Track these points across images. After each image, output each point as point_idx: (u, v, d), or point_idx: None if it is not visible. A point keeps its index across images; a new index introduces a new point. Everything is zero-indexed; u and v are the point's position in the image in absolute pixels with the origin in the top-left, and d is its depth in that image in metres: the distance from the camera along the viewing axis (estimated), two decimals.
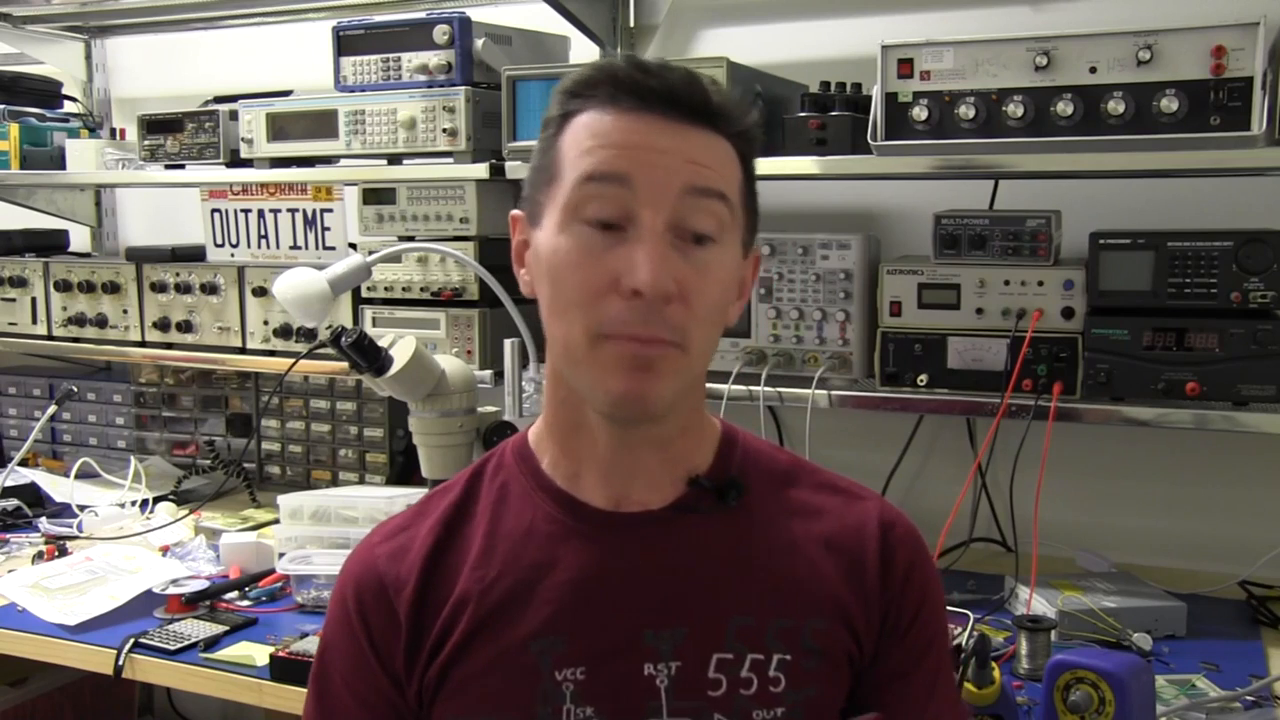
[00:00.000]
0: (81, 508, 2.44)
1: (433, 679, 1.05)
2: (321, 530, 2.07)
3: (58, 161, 2.82)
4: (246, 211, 2.47)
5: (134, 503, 2.49)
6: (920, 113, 1.83)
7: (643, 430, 1.04)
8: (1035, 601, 1.83)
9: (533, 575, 1.05)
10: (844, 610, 1.06)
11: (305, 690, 1.11)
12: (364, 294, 2.31)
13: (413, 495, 2.11)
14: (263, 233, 2.46)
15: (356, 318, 2.35)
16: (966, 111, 1.80)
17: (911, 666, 1.09)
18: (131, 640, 1.83)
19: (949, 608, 1.67)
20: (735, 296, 1.07)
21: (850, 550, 1.08)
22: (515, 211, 1.10)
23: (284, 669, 1.71)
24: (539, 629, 1.03)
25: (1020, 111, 1.77)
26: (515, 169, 2.16)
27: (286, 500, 2.11)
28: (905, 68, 1.84)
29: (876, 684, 1.08)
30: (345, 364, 1.95)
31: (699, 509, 1.07)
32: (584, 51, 2.44)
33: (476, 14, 2.26)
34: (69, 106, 3.07)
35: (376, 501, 2.12)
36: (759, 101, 2.01)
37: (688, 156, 0.99)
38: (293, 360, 2.20)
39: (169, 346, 2.58)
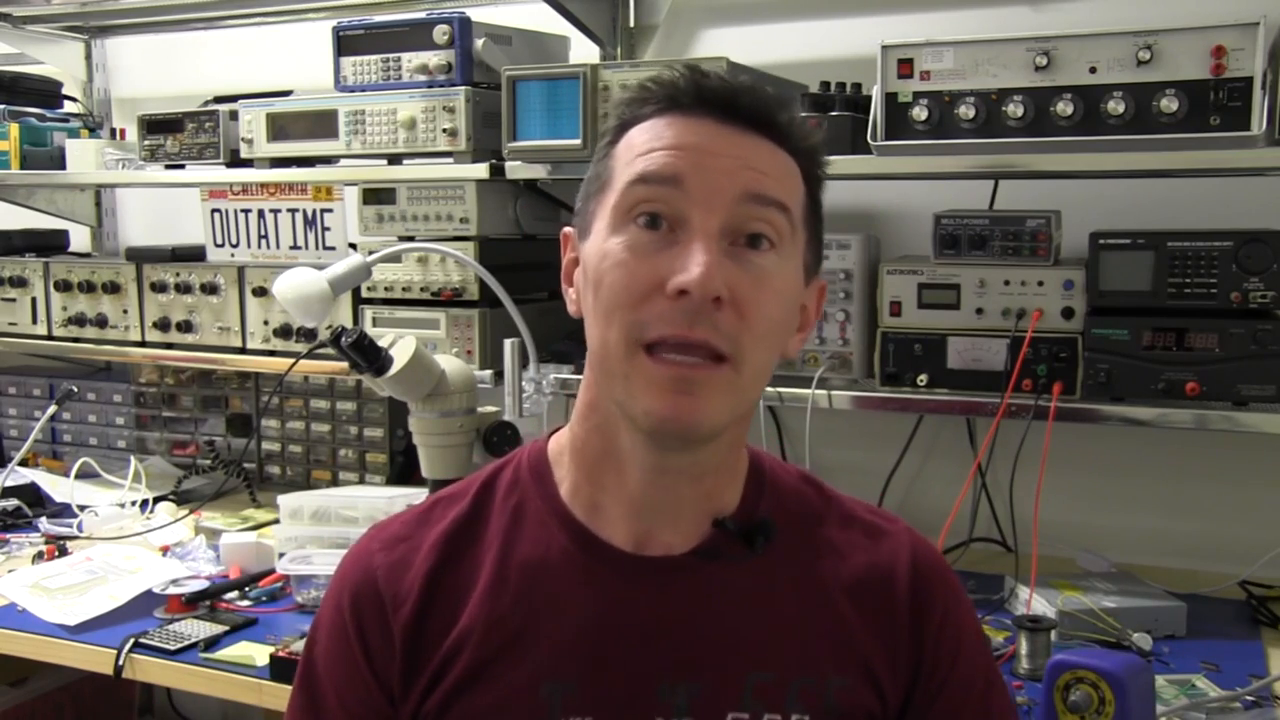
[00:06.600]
0: (81, 508, 2.44)
1: (432, 710, 1.00)
2: (321, 530, 2.07)
3: (58, 161, 2.81)
4: (246, 211, 2.47)
5: (134, 503, 2.49)
6: (920, 113, 1.82)
7: (683, 458, 0.97)
8: (1035, 601, 1.83)
9: (545, 612, 0.99)
10: (869, 665, 1.00)
11: None
12: (364, 294, 2.31)
13: (413, 495, 2.12)
14: (263, 233, 2.45)
15: (356, 318, 2.34)
16: (966, 111, 1.80)
17: (955, 714, 1.03)
18: (131, 640, 1.83)
19: None
20: (796, 325, 1.00)
21: (879, 593, 1.02)
22: (566, 229, 1.04)
23: (284, 669, 1.70)
24: (548, 671, 0.97)
25: (1020, 111, 1.77)
26: (515, 169, 2.15)
27: (286, 500, 2.11)
28: (905, 68, 1.83)
29: None
30: (345, 364, 1.95)
31: (723, 555, 1.01)
32: (584, 51, 2.44)
33: (476, 14, 2.25)
34: (69, 106, 3.07)
35: (376, 501, 2.12)
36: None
37: (746, 163, 0.93)
38: (293, 360, 2.20)
39: (169, 346, 2.57)
